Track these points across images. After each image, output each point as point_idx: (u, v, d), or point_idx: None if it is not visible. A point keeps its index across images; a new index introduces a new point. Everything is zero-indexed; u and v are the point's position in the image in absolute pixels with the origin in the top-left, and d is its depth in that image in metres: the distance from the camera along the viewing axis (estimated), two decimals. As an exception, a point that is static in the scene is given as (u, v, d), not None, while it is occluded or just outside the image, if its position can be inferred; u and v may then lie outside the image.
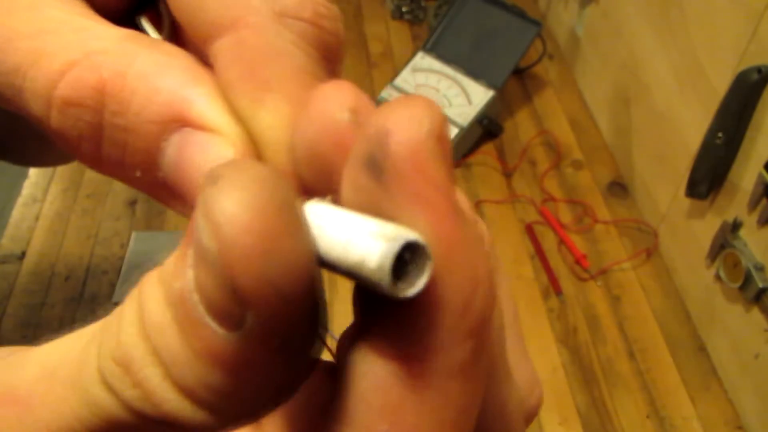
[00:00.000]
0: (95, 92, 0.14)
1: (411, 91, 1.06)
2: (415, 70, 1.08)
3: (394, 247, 0.11)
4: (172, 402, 0.13)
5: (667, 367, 0.82)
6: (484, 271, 0.12)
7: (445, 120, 0.12)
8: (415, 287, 0.12)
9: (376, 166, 0.12)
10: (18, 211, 0.94)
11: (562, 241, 0.94)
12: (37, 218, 0.93)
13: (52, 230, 0.92)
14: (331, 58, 0.15)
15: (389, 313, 0.13)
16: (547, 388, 0.80)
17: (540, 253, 0.92)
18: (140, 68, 0.14)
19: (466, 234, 0.12)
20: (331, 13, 0.15)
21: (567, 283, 0.90)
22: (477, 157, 1.05)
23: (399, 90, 1.07)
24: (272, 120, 0.14)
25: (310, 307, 0.12)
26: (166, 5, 0.16)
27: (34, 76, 0.14)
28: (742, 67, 0.69)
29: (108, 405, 0.13)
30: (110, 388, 0.13)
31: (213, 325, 0.12)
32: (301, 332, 0.12)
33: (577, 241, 0.94)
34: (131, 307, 0.13)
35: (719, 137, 0.73)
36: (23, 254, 0.89)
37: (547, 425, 0.76)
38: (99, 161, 0.15)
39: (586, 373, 0.81)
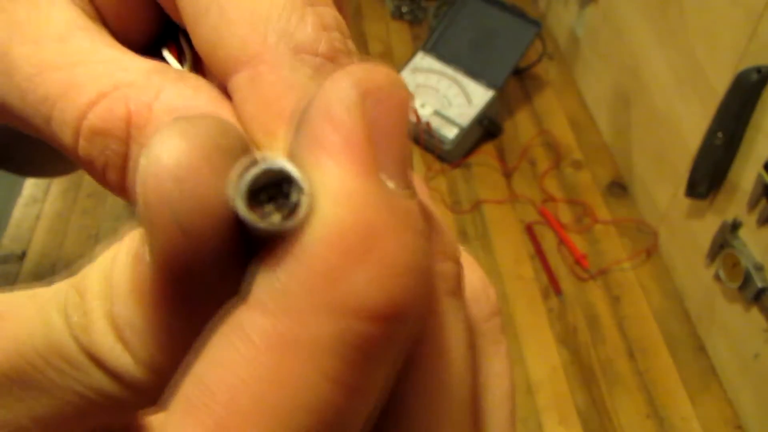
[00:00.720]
0: (122, 123, 0.14)
1: (411, 91, 1.06)
2: (415, 70, 1.08)
3: (250, 171, 0.11)
4: (104, 338, 0.14)
5: (666, 366, 0.82)
6: (388, 256, 0.11)
7: (393, 86, 0.12)
8: (274, 219, 0.11)
9: (300, 118, 0.12)
10: (19, 211, 0.94)
11: (562, 241, 0.94)
12: (37, 218, 0.93)
13: (52, 230, 0.92)
14: None
15: (263, 253, 0.12)
16: (547, 388, 0.80)
17: (540, 253, 0.92)
18: (166, 101, 0.15)
19: (367, 191, 0.11)
20: (347, 48, 0.15)
21: (567, 283, 0.90)
22: (477, 157, 1.06)
23: (399, 90, 1.07)
24: (285, 148, 0.14)
25: (219, 249, 0.12)
26: (188, 39, 0.16)
27: (64, 107, 0.15)
28: (742, 67, 0.69)
29: (59, 330, 0.14)
30: (65, 314, 0.14)
31: (142, 250, 0.13)
32: (208, 272, 0.12)
33: (577, 241, 0.94)
34: (108, 252, 0.14)
35: (719, 137, 0.73)
36: (24, 254, 0.89)
37: (547, 425, 0.77)
38: (124, 189, 0.15)
39: (585, 373, 0.81)
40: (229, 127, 0.12)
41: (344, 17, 0.16)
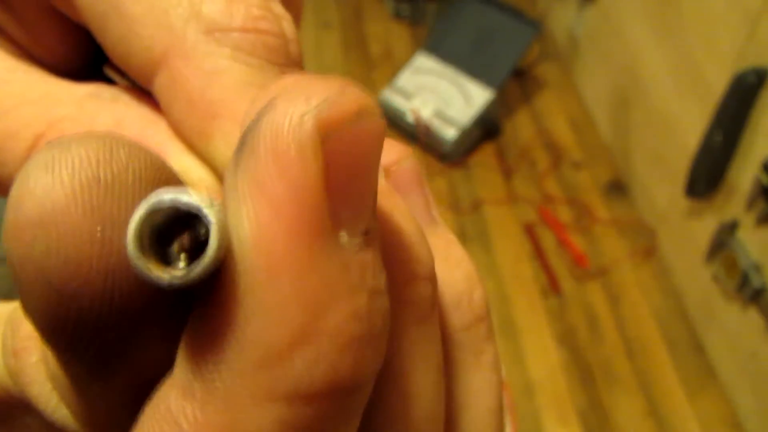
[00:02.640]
0: None
1: (411, 91, 1.07)
2: (414, 70, 1.09)
3: (143, 208, 0.09)
4: (39, 385, 0.12)
5: (665, 366, 0.82)
6: (333, 331, 0.09)
7: (360, 114, 0.10)
8: (176, 272, 0.09)
9: (242, 139, 0.10)
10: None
11: (561, 242, 0.94)
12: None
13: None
14: (281, 60, 0.13)
15: (192, 328, 0.10)
16: (546, 387, 0.80)
17: (539, 253, 0.93)
18: (100, 127, 0.13)
19: (314, 263, 0.09)
20: (269, 14, 0.13)
21: (566, 283, 0.90)
22: (477, 158, 1.06)
23: (399, 91, 1.07)
24: (225, 150, 0.12)
25: (102, 314, 0.10)
26: None
27: (4, 159, 0.13)
28: (739, 67, 0.70)
29: (1, 371, 0.12)
30: (3, 350, 0.12)
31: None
32: (92, 342, 0.10)
33: (577, 241, 0.94)
34: None
35: (717, 138, 0.73)
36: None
37: (546, 424, 0.77)
38: None
39: (584, 373, 0.82)
40: (124, 150, 0.10)
41: None
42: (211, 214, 0.09)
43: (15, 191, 0.09)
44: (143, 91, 0.14)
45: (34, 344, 0.12)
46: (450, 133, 1.02)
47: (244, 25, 0.12)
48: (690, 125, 0.82)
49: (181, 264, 0.09)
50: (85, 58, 0.16)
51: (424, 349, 0.12)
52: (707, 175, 0.76)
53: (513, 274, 0.91)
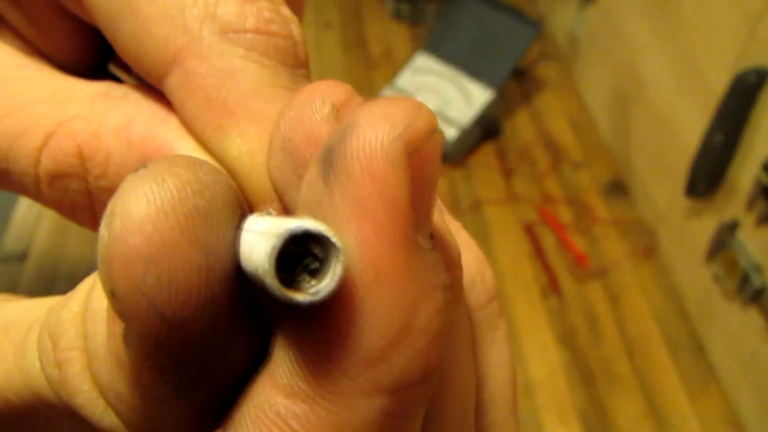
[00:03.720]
0: (75, 159, 0.13)
1: (411, 92, 1.07)
2: (415, 71, 1.09)
3: (279, 241, 0.10)
4: (85, 394, 0.12)
5: (665, 366, 0.82)
6: (424, 327, 0.10)
7: (432, 132, 0.11)
8: (311, 293, 0.10)
9: (329, 161, 0.10)
10: (21, 211, 0.95)
11: (561, 242, 0.94)
12: (39, 218, 0.94)
13: (54, 230, 0.92)
14: (290, 62, 0.13)
15: (294, 332, 0.11)
16: (546, 387, 0.80)
17: (539, 253, 0.93)
18: (111, 125, 0.13)
19: (409, 268, 0.10)
20: (279, 17, 0.13)
21: (566, 283, 0.90)
22: (477, 158, 1.06)
23: (399, 91, 1.07)
24: (241, 145, 0.12)
25: (204, 336, 0.10)
26: None
27: (16, 156, 0.13)
28: (740, 67, 0.70)
29: (35, 376, 0.13)
30: (42, 363, 0.13)
31: (116, 326, 0.11)
32: (191, 362, 0.11)
33: (577, 241, 0.94)
34: (84, 285, 0.13)
35: (717, 138, 0.73)
36: (26, 254, 0.89)
37: (547, 424, 0.77)
38: (97, 226, 0.13)
39: (585, 373, 0.82)
40: (210, 175, 0.10)
41: None
42: (335, 239, 0.10)
43: (116, 225, 0.10)
44: (151, 89, 0.14)
45: (76, 354, 0.12)
46: (450, 133, 1.02)
47: (257, 27, 0.13)
48: (690, 125, 0.82)
49: (312, 284, 0.10)
50: (92, 55, 0.16)
51: (460, 329, 0.13)
52: (707, 175, 0.76)
53: (513, 274, 0.91)
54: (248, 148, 0.12)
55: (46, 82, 0.14)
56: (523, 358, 0.83)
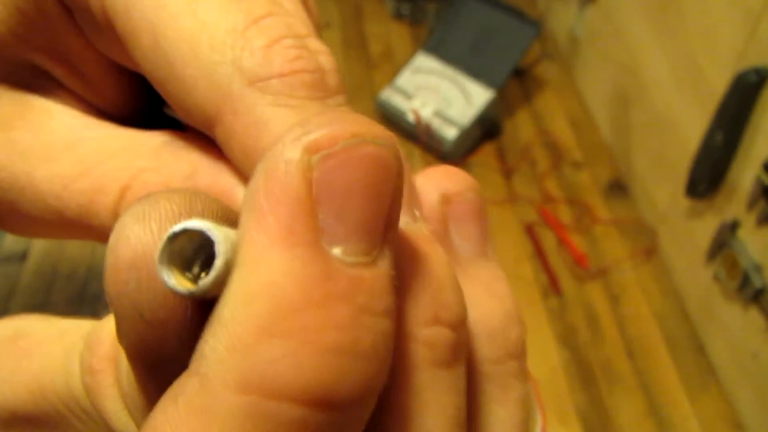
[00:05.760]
0: None
1: (411, 92, 1.07)
2: (415, 70, 1.09)
3: (166, 238, 0.11)
4: (112, 404, 0.13)
5: (665, 366, 0.82)
6: (307, 334, 0.10)
7: (355, 139, 0.10)
8: (193, 284, 0.11)
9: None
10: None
11: (561, 242, 0.94)
12: (39, 218, 0.94)
13: (54, 230, 0.92)
14: (320, 95, 0.14)
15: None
16: (547, 387, 0.80)
17: (540, 253, 0.93)
18: (179, 176, 0.14)
19: (288, 267, 0.10)
20: (306, 51, 0.13)
21: (567, 283, 0.90)
22: (477, 157, 1.06)
23: (399, 90, 1.07)
24: None
25: (181, 337, 0.11)
26: None
27: (96, 212, 0.15)
28: (741, 67, 0.70)
29: (75, 381, 0.14)
30: (81, 367, 0.14)
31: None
32: (172, 361, 0.12)
33: (577, 241, 0.94)
34: None
35: (718, 138, 0.73)
36: (26, 254, 0.89)
37: (547, 425, 0.77)
38: None
39: (585, 373, 0.81)
40: (199, 199, 0.12)
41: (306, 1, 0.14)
42: (215, 233, 0.10)
43: (113, 239, 0.11)
44: (203, 136, 0.15)
45: (109, 365, 0.13)
46: (450, 132, 1.02)
47: (281, 71, 0.13)
48: (691, 125, 0.82)
49: (200, 279, 0.11)
50: (142, 102, 0.18)
51: (439, 395, 0.12)
52: (708, 174, 0.76)
53: (513, 274, 0.91)
54: None
55: (114, 140, 0.15)
56: (524, 358, 0.83)
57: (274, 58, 0.13)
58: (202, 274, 0.11)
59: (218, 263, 0.10)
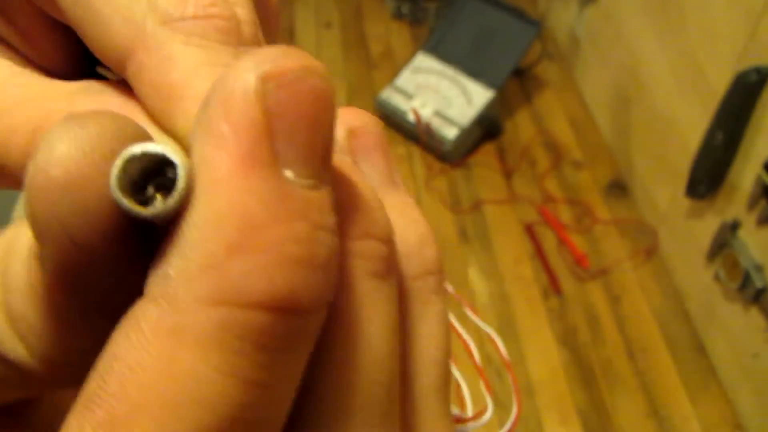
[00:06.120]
0: None
1: (412, 91, 1.07)
2: (415, 70, 1.09)
3: (120, 160, 0.11)
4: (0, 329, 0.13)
5: (666, 366, 0.82)
6: (271, 248, 0.11)
7: (305, 72, 0.11)
8: (156, 205, 0.11)
9: (204, 101, 0.12)
10: (21, 211, 0.95)
11: (562, 241, 0.94)
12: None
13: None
14: (232, 41, 0.14)
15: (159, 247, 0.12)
16: (547, 387, 0.80)
17: (540, 253, 0.93)
18: None
19: (251, 186, 0.11)
20: (221, 1, 0.14)
21: (567, 283, 0.90)
22: (477, 158, 1.06)
23: (399, 90, 1.07)
24: (185, 124, 0.13)
25: (119, 254, 0.12)
26: None
27: (8, 153, 0.15)
28: (741, 67, 0.70)
29: None
30: None
31: (35, 255, 0.13)
32: (97, 286, 0.12)
33: (577, 241, 0.94)
34: (8, 230, 0.14)
35: (718, 137, 0.73)
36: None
37: (547, 425, 0.77)
38: None
39: (585, 373, 0.81)
40: (127, 123, 0.12)
41: None
42: (176, 157, 0.11)
43: (40, 159, 0.11)
44: (127, 84, 0.15)
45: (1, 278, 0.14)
46: (451, 132, 1.02)
47: (196, 13, 0.14)
48: (691, 125, 0.82)
49: (158, 202, 0.11)
50: (80, 61, 0.18)
51: (378, 304, 0.13)
52: (708, 174, 0.76)
53: (513, 274, 0.91)
54: (190, 124, 0.13)
55: (34, 86, 0.15)
56: (524, 358, 0.83)
57: (189, 2, 0.14)
58: (158, 196, 0.11)
59: (180, 185, 0.11)
